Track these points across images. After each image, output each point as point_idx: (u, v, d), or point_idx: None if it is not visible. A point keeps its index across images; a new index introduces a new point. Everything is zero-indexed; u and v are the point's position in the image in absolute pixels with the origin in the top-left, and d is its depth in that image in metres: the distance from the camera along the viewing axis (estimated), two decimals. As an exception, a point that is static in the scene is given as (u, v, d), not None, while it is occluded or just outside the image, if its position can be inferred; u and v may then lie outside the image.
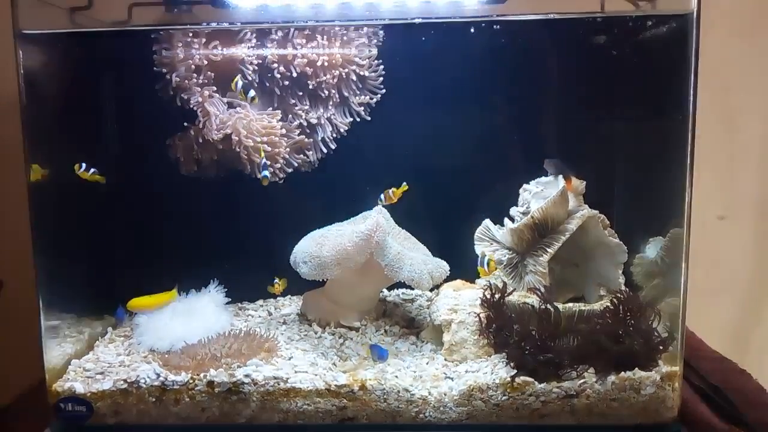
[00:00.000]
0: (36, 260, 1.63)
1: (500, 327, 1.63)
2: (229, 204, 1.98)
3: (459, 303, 1.71)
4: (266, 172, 1.82)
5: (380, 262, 1.71)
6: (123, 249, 2.02)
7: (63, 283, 1.74)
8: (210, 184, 1.96)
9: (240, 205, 1.96)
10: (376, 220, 1.71)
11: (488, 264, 1.59)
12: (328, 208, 1.93)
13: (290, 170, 1.95)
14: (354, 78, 1.95)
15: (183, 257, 1.97)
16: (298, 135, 1.95)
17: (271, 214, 2.01)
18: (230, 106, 1.92)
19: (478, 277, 1.84)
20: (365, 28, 1.92)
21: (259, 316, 1.98)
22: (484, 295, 1.68)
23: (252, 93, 1.76)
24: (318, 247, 1.75)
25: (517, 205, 1.88)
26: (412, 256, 1.74)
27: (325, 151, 1.98)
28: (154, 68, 1.87)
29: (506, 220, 1.83)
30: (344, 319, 1.83)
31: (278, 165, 1.91)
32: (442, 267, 1.79)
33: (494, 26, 1.85)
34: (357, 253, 1.70)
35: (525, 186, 1.86)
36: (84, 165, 1.77)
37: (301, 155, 1.97)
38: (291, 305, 2.04)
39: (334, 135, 1.97)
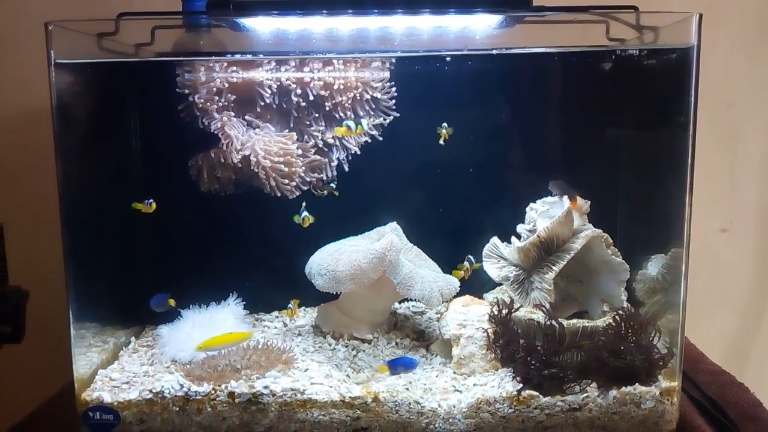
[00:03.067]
0: (67, 271, 1.71)
1: (507, 342, 1.71)
2: (248, 220, 2.05)
3: (468, 318, 1.79)
4: (306, 213, 1.90)
5: (392, 280, 1.79)
6: (147, 260, 2.11)
7: (91, 293, 1.82)
8: (230, 200, 2.05)
9: (258, 220, 2.04)
10: (390, 239, 1.79)
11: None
12: (343, 223, 1.99)
13: (305, 188, 2.03)
14: (368, 98, 2.03)
15: (204, 270, 2.06)
16: (314, 154, 2.03)
17: (288, 229, 2.10)
18: (249, 125, 2.00)
19: (462, 279, 1.91)
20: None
21: (275, 327, 2.06)
22: (492, 311, 1.75)
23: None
24: (334, 261, 1.83)
25: (524, 223, 1.95)
26: (423, 275, 1.82)
27: (337, 170, 2.06)
28: (177, 90, 1.95)
29: (513, 238, 1.90)
30: (357, 331, 1.92)
31: (294, 183, 1.99)
32: (452, 284, 1.87)
33: (502, 53, 1.93)
34: (371, 270, 1.78)
35: (532, 205, 1.93)
36: (148, 201, 1.89)
37: (316, 173, 2.05)
38: (305, 317, 2.12)
39: (348, 155, 2.05)
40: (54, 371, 1.76)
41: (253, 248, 2.06)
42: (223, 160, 1.94)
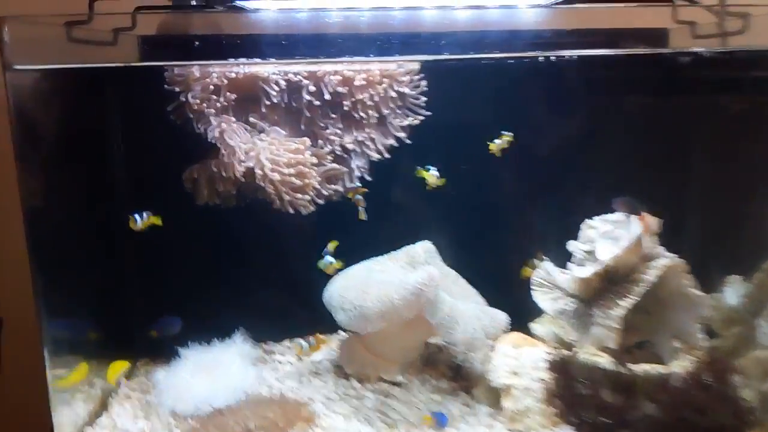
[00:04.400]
0: (37, 303, 1.42)
1: (569, 395, 1.44)
2: (252, 235, 1.76)
3: (521, 364, 1.52)
4: (331, 258, 1.65)
5: (429, 319, 1.51)
6: (137, 284, 1.81)
7: (69, 325, 1.54)
8: (232, 214, 1.74)
9: (264, 236, 1.75)
10: (428, 272, 1.50)
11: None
12: (364, 239, 1.73)
13: (321, 201, 1.72)
14: (393, 95, 1.71)
15: (200, 293, 1.76)
16: (331, 162, 1.72)
17: (299, 244, 1.80)
18: (253, 128, 1.68)
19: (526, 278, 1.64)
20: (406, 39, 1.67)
21: (289, 363, 1.79)
22: (550, 357, 1.48)
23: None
24: (361, 294, 1.54)
25: (577, 240, 1.66)
26: (465, 312, 1.54)
27: (360, 178, 1.75)
28: (166, 86, 1.62)
29: (570, 265, 1.62)
30: (386, 372, 1.64)
31: (308, 197, 1.68)
32: (499, 320, 1.59)
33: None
34: (405, 308, 1.50)
35: (589, 222, 1.64)
36: (138, 217, 1.59)
37: (334, 184, 1.74)
38: (321, 348, 1.84)
39: (370, 161, 1.74)
40: (37, 405, 1.48)
41: (260, 268, 1.81)
42: (223, 173, 1.62)
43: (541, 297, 1.63)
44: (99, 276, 1.71)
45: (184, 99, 1.61)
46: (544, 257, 1.66)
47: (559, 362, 1.50)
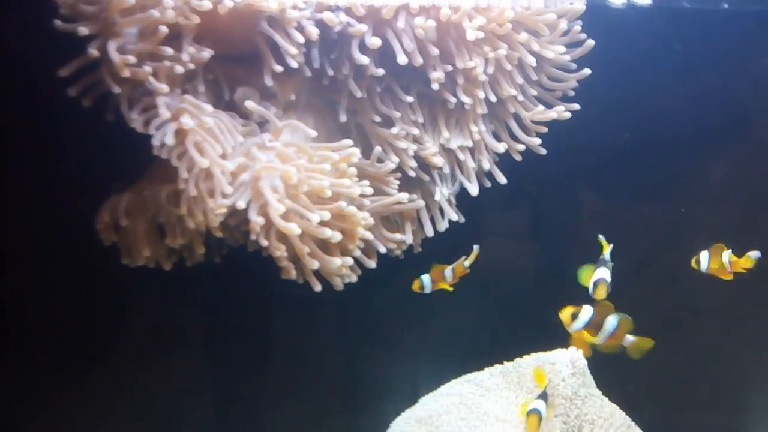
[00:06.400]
0: None
1: None
2: (238, 329, 0.96)
3: None
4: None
5: None
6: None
7: None
8: (195, 288, 0.92)
9: (260, 331, 0.94)
10: None
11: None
12: (452, 334, 1.08)
13: (373, 265, 0.90)
14: (532, 64, 0.87)
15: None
16: (396, 188, 0.88)
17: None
18: (245, 120, 0.83)
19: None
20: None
21: None
22: None
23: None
24: None
25: None
26: None
27: (455, 218, 0.93)
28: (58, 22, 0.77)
29: None
30: None
31: (350, 259, 0.85)
32: None
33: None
34: None
35: None
36: None
37: (396, 237, 0.91)
38: None
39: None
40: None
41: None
42: (185, 219, 0.77)
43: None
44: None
45: (97, 53, 0.75)
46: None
47: None
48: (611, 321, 0.84)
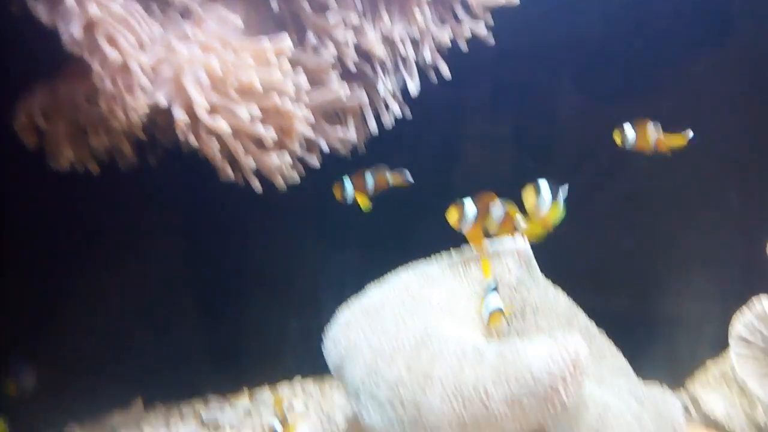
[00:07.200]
0: None
1: None
2: (165, 226, 1.03)
3: None
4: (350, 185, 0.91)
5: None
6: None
7: None
8: (124, 190, 0.88)
9: (189, 227, 1.02)
10: (572, 351, 0.69)
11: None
12: (384, 237, 1.05)
13: (317, 165, 0.87)
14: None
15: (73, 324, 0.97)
16: (335, 82, 0.84)
17: (262, 242, 1.03)
18: (163, 11, 0.77)
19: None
20: None
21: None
22: None
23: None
24: (417, 377, 0.74)
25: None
26: (620, 418, 0.75)
27: (392, 118, 0.89)
28: None
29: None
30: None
31: (288, 159, 0.82)
32: (671, 418, 0.82)
33: None
34: (512, 420, 0.72)
35: None
36: None
37: (339, 128, 0.87)
38: (309, 417, 1.07)
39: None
40: None
41: (180, 281, 1.09)
42: (104, 117, 0.73)
43: (748, 368, 0.84)
44: None
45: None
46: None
47: None
48: (497, 208, 0.82)
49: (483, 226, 0.83)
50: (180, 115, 0.71)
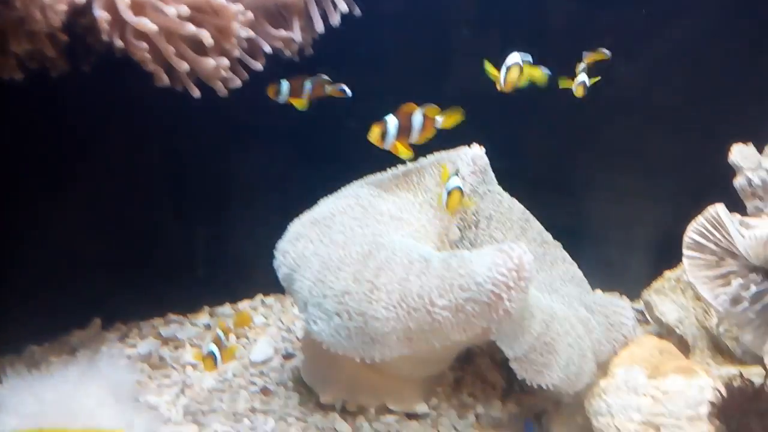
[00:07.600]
0: None
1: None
2: (101, 134, 0.97)
3: (666, 410, 0.78)
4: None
5: (505, 349, 0.73)
6: None
7: None
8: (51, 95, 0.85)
9: (159, 144, 1.02)
10: (515, 257, 0.69)
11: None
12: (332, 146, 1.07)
13: (260, 67, 0.84)
14: None
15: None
16: None
17: (219, 156, 1.00)
18: None
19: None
20: None
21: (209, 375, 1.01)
22: (720, 397, 0.75)
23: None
24: (363, 287, 0.74)
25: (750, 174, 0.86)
26: (566, 323, 0.76)
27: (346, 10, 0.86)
28: None
29: (749, 220, 0.83)
30: (396, 400, 0.89)
31: (226, 61, 0.78)
32: (622, 326, 0.82)
33: None
34: (458, 328, 0.71)
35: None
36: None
37: (281, 34, 0.83)
38: (269, 328, 1.07)
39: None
40: None
41: (156, 199, 1.11)
42: (20, 23, 0.68)
43: (695, 269, 0.85)
44: None
45: None
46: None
47: (739, 406, 0.77)
48: (417, 117, 0.81)
49: (407, 138, 0.81)
50: (100, 13, 0.67)
